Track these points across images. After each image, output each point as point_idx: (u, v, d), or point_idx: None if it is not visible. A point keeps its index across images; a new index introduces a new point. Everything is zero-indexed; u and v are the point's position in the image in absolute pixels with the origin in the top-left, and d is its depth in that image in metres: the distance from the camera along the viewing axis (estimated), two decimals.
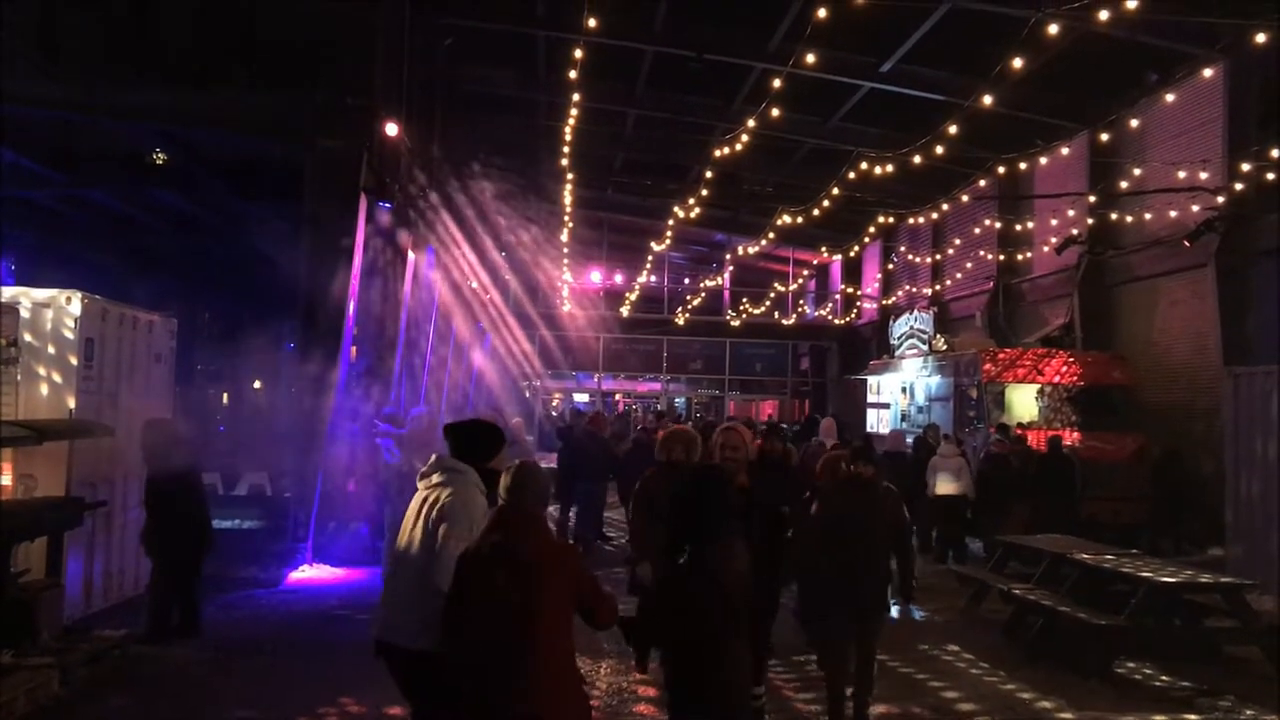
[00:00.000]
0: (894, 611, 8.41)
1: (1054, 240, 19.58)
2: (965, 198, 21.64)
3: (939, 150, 17.18)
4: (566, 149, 21.20)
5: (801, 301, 38.68)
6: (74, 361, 8.69)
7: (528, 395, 32.47)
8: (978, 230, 24.06)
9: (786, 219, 23.94)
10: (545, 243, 29.67)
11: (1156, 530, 15.19)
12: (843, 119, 22.87)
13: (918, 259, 29.12)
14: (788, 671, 8.29)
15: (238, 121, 14.78)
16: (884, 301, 31.91)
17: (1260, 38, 12.45)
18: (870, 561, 6.66)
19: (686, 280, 38.81)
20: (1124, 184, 17.99)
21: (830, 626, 6.71)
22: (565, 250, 31.31)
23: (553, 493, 15.55)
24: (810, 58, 14.58)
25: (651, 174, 29.47)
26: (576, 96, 17.91)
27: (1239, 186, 15.10)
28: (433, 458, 4.71)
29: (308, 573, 11.88)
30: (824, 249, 33.41)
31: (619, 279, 37.43)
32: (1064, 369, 17.36)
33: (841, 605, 6.59)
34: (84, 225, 21.79)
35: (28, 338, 8.57)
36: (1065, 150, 19.37)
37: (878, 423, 23.45)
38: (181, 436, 9.16)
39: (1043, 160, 20.47)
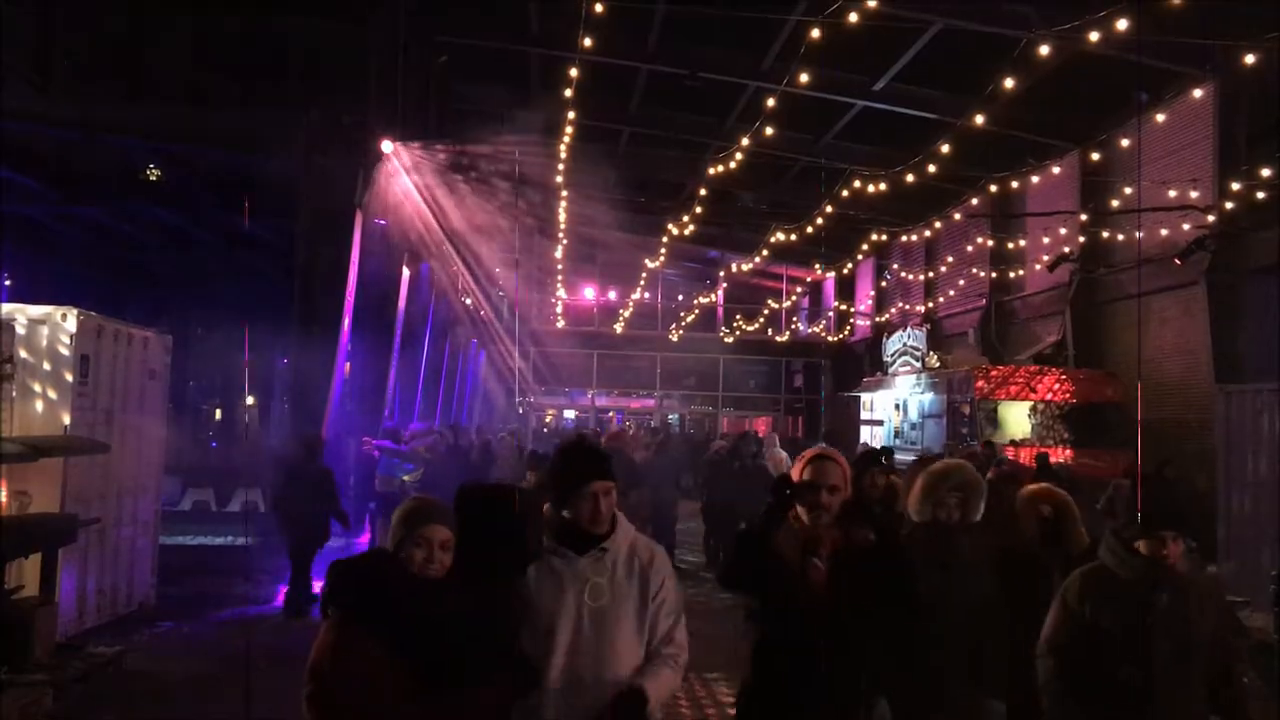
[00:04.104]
0: None
1: (1046, 258, 19.67)
2: (957, 215, 21.74)
3: (931, 168, 17.29)
4: (561, 166, 21.29)
5: (795, 318, 38.74)
6: (69, 378, 8.69)
7: (521, 411, 32.46)
8: (970, 248, 24.17)
9: (780, 236, 24.03)
10: (539, 258, 29.72)
11: None
12: (836, 137, 23.00)
13: (910, 276, 29.24)
14: None
15: (233, 138, 14.85)
16: (877, 318, 32.03)
17: (1249, 58, 12.56)
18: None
19: (680, 296, 38.86)
20: (1115, 202, 18.11)
21: None
22: (559, 266, 31.35)
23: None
24: (804, 76, 14.70)
25: (645, 191, 29.55)
26: (571, 114, 18.00)
27: (1229, 205, 15.21)
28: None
29: None
30: (817, 266, 33.51)
31: (613, 295, 37.45)
32: (1056, 386, 17.44)
33: None
34: (79, 241, 21.81)
35: (23, 354, 8.58)
36: (1056, 169, 19.49)
37: (871, 439, 23.47)
38: (319, 450, 11.05)
39: (1034, 179, 20.60)
